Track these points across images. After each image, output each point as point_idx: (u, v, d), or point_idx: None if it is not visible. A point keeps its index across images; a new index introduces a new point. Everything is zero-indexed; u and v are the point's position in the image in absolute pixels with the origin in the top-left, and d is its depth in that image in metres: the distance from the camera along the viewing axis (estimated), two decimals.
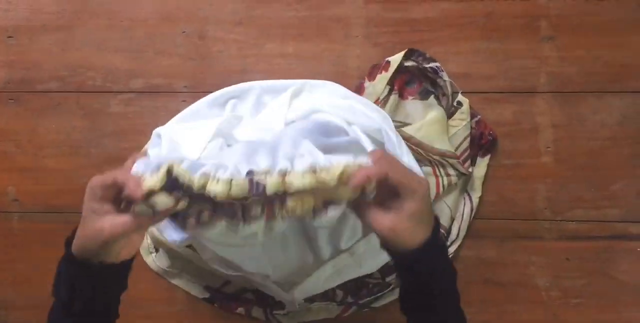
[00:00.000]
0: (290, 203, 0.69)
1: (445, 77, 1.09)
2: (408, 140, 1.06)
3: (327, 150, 0.78)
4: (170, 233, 0.86)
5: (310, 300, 1.05)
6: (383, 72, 1.09)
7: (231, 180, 0.68)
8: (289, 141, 0.78)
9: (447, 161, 1.06)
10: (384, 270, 1.06)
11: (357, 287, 1.07)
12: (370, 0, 1.11)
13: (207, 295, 1.10)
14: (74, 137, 1.14)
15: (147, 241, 1.11)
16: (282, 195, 0.69)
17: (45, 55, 1.15)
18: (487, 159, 1.10)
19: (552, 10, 1.10)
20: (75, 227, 0.74)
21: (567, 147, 1.10)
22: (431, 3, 1.11)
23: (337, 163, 0.69)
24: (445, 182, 1.07)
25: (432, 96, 1.10)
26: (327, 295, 1.06)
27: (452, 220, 1.08)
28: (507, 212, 1.10)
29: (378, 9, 1.12)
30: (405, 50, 1.10)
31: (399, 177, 0.69)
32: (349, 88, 1.07)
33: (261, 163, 0.73)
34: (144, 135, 1.12)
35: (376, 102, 1.08)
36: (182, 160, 0.70)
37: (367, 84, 1.10)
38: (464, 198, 1.10)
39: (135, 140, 1.13)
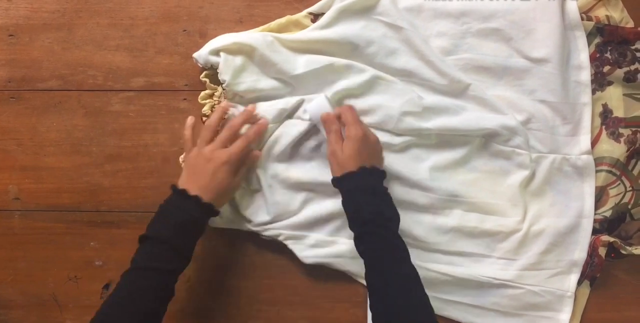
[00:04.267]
0: None
1: None
2: None
3: None
4: None
5: None
6: None
7: None
8: None
9: None
10: None
11: None
12: None
13: None
14: (75, 135, 1.14)
15: None
16: None
17: (46, 54, 1.15)
18: None
19: None
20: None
21: None
22: None
23: None
24: None
25: None
26: None
27: None
28: None
29: None
30: None
31: (346, 121, 0.99)
32: None
33: None
34: (145, 134, 1.13)
35: None
36: None
37: None
38: None
39: (136, 139, 1.13)
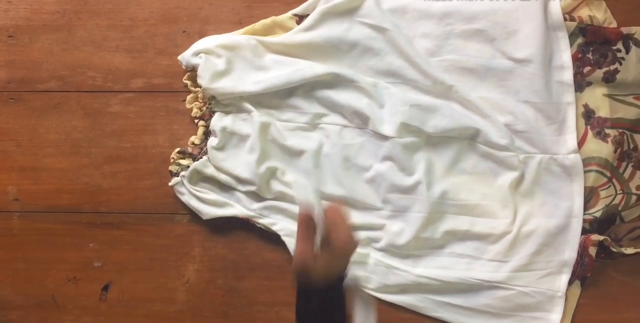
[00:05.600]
0: None
1: None
2: None
3: None
4: None
5: None
6: None
7: None
8: None
9: None
10: None
11: None
12: None
13: None
14: (74, 136, 1.14)
15: None
16: None
17: (45, 55, 1.15)
18: None
19: None
20: None
21: None
22: None
23: None
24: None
25: None
26: None
27: None
28: None
29: None
30: None
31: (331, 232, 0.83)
32: None
33: None
34: (144, 135, 1.13)
35: None
36: None
37: None
38: None
39: (135, 140, 1.14)
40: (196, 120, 1.11)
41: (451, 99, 1.07)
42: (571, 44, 1.08)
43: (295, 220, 1.08)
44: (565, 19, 1.07)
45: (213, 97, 1.08)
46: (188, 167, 1.08)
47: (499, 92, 1.07)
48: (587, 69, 1.08)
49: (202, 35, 1.13)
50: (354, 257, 1.04)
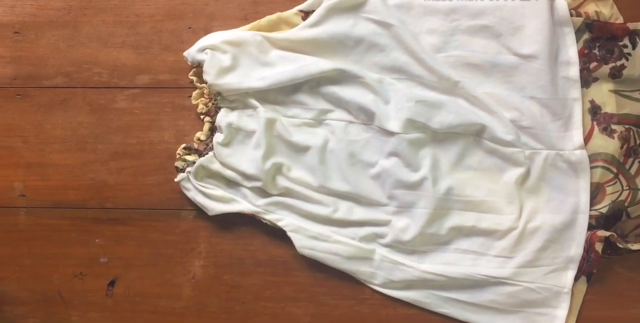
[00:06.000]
0: None
1: None
2: None
3: None
4: None
5: None
6: None
7: None
8: None
9: None
10: None
11: None
12: None
13: None
14: (80, 132, 1.14)
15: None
16: None
17: (51, 51, 1.15)
18: None
19: None
20: None
21: None
22: None
23: None
24: None
25: None
26: None
27: None
28: None
29: None
30: None
31: None
32: None
33: None
34: (150, 131, 1.14)
35: None
36: None
37: None
38: None
39: (141, 136, 1.14)
40: (202, 116, 1.11)
41: (457, 95, 1.07)
42: (577, 40, 1.07)
43: (301, 216, 1.09)
44: (571, 15, 1.07)
45: (219, 93, 1.08)
46: (194, 163, 1.08)
47: (505, 88, 1.07)
48: (593, 64, 1.07)
49: (207, 31, 1.13)
50: (360, 253, 1.06)
